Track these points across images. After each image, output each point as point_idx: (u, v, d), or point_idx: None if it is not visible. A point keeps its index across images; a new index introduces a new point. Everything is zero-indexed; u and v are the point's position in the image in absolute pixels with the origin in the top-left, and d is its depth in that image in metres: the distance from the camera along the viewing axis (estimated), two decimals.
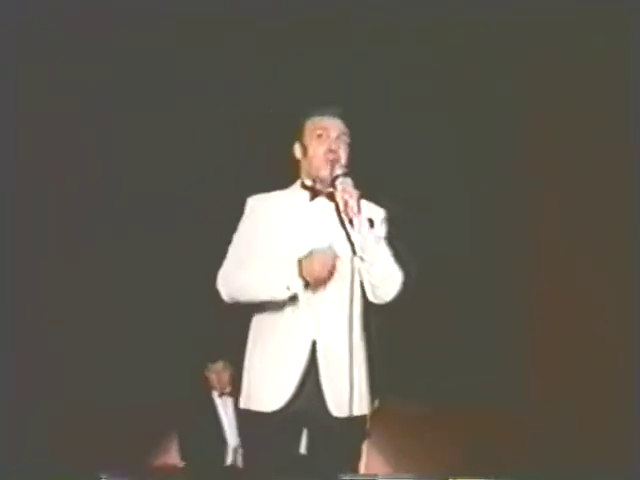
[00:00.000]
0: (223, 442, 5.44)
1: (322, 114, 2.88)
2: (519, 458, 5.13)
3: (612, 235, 5.17)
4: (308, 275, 2.67)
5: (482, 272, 5.53)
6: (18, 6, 4.96)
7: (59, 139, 5.45)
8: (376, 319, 2.87)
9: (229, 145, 5.54)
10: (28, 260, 5.45)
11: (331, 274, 2.68)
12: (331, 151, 2.81)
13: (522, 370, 5.33)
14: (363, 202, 2.79)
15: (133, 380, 5.67)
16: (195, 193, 5.65)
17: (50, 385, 5.52)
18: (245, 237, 2.85)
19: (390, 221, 2.91)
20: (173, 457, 5.62)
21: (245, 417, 2.80)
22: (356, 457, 2.78)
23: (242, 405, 2.80)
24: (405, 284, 2.81)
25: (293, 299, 2.71)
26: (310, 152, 2.85)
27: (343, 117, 2.89)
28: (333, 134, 2.84)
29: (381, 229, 2.84)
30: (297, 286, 2.68)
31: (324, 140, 2.83)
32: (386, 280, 2.77)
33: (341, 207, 2.72)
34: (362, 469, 2.87)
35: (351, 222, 2.69)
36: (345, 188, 2.71)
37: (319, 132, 2.85)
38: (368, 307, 2.82)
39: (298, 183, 2.89)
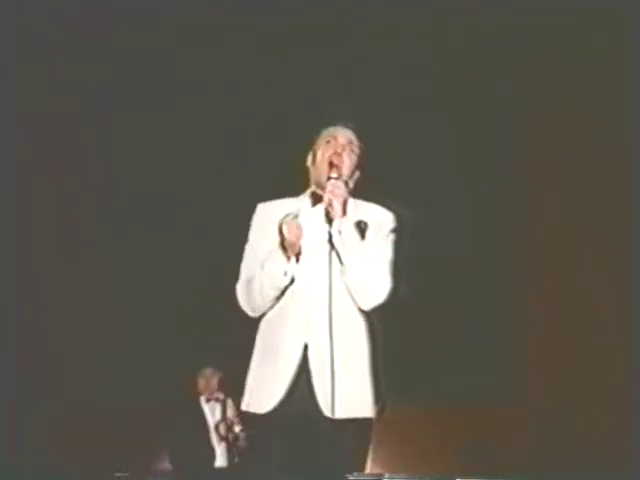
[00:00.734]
0: (210, 446, 5.45)
1: (336, 125, 2.94)
2: (519, 458, 5.14)
3: (612, 235, 5.17)
4: (284, 242, 2.75)
5: (482, 272, 5.53)
6: (18, 6, 4.96)
7: (59, 139, 5.45)
8: (375, 320, 2.86)
9: (245, 151, 5.53)
10: (28, 260, 5.45)
11: (297, 238, 2.74)
12: (336, 154, 2.84)
13: (522, 370, 5.33)
14: (371, 205, 2.83)
15: (123, 384, 5.66)
16: (197, 197, 5.66)
17: (50, 385, 5.52)
18: (253, 245, 2.89)
19: (397, 227, 2.90)
20: (163, 460, 5.62)
21: (245, 419, 2.83)
22: (360, 459, 2.78)
23: (243, 407, 2.82)
24: (404, 285, 2.80)
25: (292, 284, 2.76)
26: (318, 157, 2.89)
27: (356, 130, 2.93)
28: (341, 141, 2.89)
29: (379, 235, 2.83)
30: (291, 269, 2.74)
31: (331, 146, 2.89)
32: (365, 287, 2.74)
33: (325, 206, 2.75)
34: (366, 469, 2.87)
35: (331, 222, 2.71)
36: (333, 190, 2.74)
37: (328, 139, 2.91)
38: (374, 312, 2.82)
39: (308, 191, 2.93)
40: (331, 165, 2.84)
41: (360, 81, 5.28)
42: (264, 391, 2.73)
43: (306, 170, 2.98)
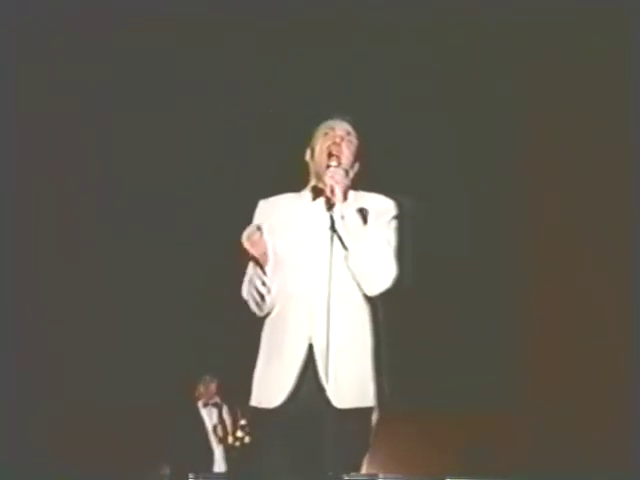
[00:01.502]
0: (209, 450, 5.48)
1: (333, 118, 2.96)
2: (519, 460, 5.14)
3: (612, 235, 5.17)
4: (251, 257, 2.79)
5: (482, 274, 5.52)
6: (18, 6, 4.96)
7: (59, 139, 5.45)
8: (380, 306, 2.86)
9: (245, 148, 5.53)
10: (28, 261, 5.45)
11: (262, 250, 2.77)
12: (334, 144, 2.86)
13: (522, 373, 5.33)
14: (371, 195, 2.85)
15: (122, 387, 5.67)
16: (197, 198, 5.66)
17: (50, 385, 5.52)
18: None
19: (399, 215, 2.91)
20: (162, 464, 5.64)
21: (253, 415, 2.84)
22: (361, 450, 2.80)
23: (252, 403, 2.84)
24: (404, 286, 2.81)
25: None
26: (317, 150, 2.90)
27: (353, 123, 2.94)
28: (339, 132, 2.90)
29: (380, 221, 2.84)
30: (267, 280, 2.78)
31: (329, 137, 2.90)
32: (370, 272, 2.76)
33: (327, 193, 2.76)
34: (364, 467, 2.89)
35: (332, 207, 2.72)
36: (333, 176, 2.76)
37: (326, 131, 2.93)
38: (375, 307, 2.83)
39: (309, 185, 2.94)
40: (330, 155, 2.85)
41: (360, 78, 5.28)
42: (272, 386, 2.74)
43: (306, 165, 2.99)
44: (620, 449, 4.80)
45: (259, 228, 2.79)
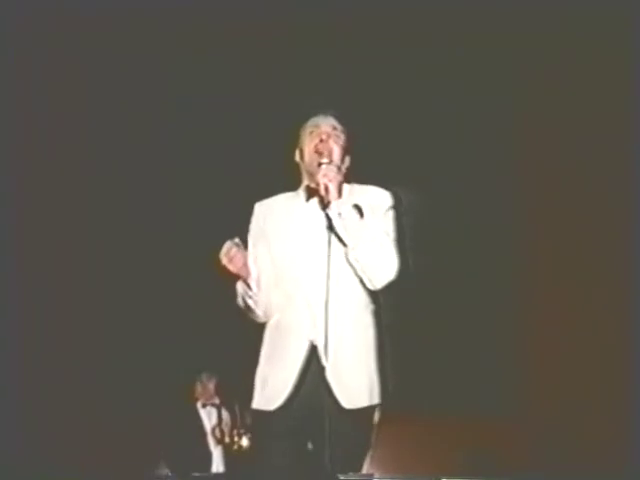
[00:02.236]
0: (207, 451, 5.47)
1: (317, 115, 2.94)
2: (518, 465, 5.13)
3: (612, 236, 5.16)
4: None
5: (482, 277, 5.52)
6: (18, 6, 4.96)
7: (59, 139, 5.45)
8: (377, 320, 2.86)
9: (240, 149, 5.53)
10: (28, 261, 5.45)
11: (240, 263, 2.79)
12: (321, 141, 2.86)
13: (525, 375, 5.32)
14: (366, 187, 2.84)
15: (119, 390, 5.66)
16: (196, 201, 5.66)
17: (48, 385, 5.51)
18: (253, 245, 2.91)
19: (395, 205, 2.91)
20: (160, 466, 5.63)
21: (254, 416, 2.85)
22: (364, 451, 2.80)
23: (253, 406, 2.84)
24: (404, 288, 2.81)
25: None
26: (305, 150, 2.91)
27: (337, 117, 2.94)
28: (324, 129, 2.91)
29: (377, 213, 2.83)
30: (252, 293, 2.83)
31: (316, 135, 2.91)
32: (373, 265, 2.77)
33: (322, 192, 2.74)
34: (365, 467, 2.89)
35: (328, 205, 2.72)
36: (326, 173, 2.76)
37: (311, 129, 2.94)
38: (378, 306, 2.83)
39: (302, 185, 2.94)
40: (319, 153, 2.86)
41: (360, 81, 5.27)
42: (273, 387, 2.76)
43: (297, 167, 2.99)
44: (622, 455, 4.79)
45: (237, 244, 2.79)
